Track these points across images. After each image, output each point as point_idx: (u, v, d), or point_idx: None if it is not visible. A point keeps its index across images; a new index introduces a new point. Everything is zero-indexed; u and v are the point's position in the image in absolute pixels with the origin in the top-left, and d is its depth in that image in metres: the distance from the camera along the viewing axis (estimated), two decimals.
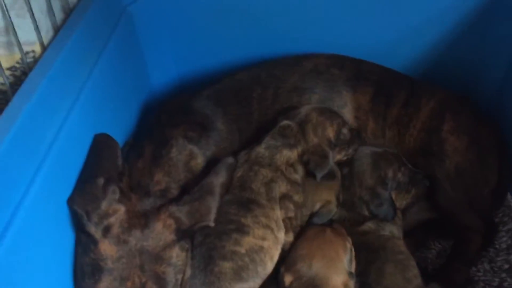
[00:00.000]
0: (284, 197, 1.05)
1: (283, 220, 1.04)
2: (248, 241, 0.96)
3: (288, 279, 0.95)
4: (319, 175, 1.09)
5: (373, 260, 1.03)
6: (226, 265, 0.94)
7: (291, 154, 1.09)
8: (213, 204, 0.95)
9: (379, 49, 1.36)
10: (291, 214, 1.06)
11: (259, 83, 1.24)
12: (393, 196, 1.15)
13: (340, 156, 1.16)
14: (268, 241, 0.98)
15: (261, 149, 1.09)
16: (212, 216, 0.94)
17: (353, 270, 0.99)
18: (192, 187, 0.99)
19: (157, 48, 1.37)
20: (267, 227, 0.99)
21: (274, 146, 1.10)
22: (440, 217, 1.21)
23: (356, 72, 1.27)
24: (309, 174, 1.10)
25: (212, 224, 0.94)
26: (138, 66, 1.34)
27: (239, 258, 0.95)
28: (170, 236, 0.91)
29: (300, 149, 1.10)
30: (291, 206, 1.06)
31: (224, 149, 1.15)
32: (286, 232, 1.04)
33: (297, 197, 1.07)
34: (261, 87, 1.24)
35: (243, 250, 0.95)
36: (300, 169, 1.10)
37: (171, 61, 1.42)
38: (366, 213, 1.14)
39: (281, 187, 1.05)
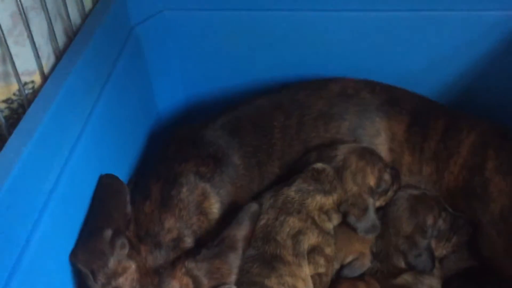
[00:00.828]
0: (314, 250, 0.97)
1: (312, 277, 0.96)
2: None
3: None
4: (360, 229, 1.01)
5: None
6: None
7: (325, 201, 1.01)
8: (236, 262, 0.88)
9: (408, 76, 1.29)
10: (322, 270, 0.98)
11: (281, 109, 1.15)
12: (433, 245, 1.08)
13: (379, 203, 1.08)
14: None
15: (290, 192, 1.01)
16: (234, 276, 0.87)
17: None
18: (209, 236, 0.92)
19: (165, 71, 1.30)
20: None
21: (306, 191, 1.01)
22: (481, 265, 1.12)
23: (389, 97, 1.18)
24: (347, 224, 1.03)
25: (233, 287, 0.86)
26: (145, 91, 1.26)
27: None
28: None
29: (336, 197, 1.02)
30: (321, 261, 0.97)
31: (241, 188, 1.06)
32: None
33: (329, 250, 0.99)
34: (283, 115, 1.14)
35: None
36: (335, 218, 1.02)
37: (179, 85, 1.35)
38: (402, 264, 1.06)
39: (310, 239, 0.97)
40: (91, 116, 0.93)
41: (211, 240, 0.89)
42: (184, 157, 1.02)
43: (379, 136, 1.16)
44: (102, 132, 0.96)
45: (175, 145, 1.08)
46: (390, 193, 1.10)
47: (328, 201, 1.01)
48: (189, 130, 1.12)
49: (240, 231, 0.91)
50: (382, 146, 1.15)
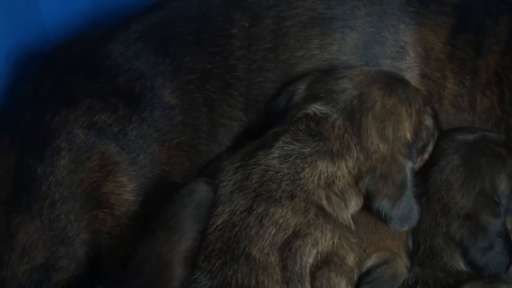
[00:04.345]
0: (328, 263, 0.75)
1: None
2: None
3: None
4: (395, 220, 0.80)
5: None
6: None
7: (335, 171, 0.80)
8: None
9: None
10: None
11: (243, 8, 0.96)
12: (509, 226, 0.88)
13: (416, 166, 0.89)
14: None
15: (272, 161, 0.79)
16: None
17: None
18: (115, 253, 0.76)
19: None
20: None
21: (299, 155, 0.80)
22: None
23: None
24: (372, 211, 0.81)
25: None
26: None
27: None
28: None
29: (351, 163, 0.81)
30: (342, 283, 0.75)
31: (179, 148, 0.88)
32: None
33: (351, 259, 0.77)
34: (247, 17, 0.95)
35: None
36: (354, 200, 0.81)
37: None
38: (461, 265, 0.85)
39: (320, 244, 0.75)
40: None
41: (117, 264, 0.74)
42: (68, 98, 0.82)
43: (406, 55, 0.98)
44: None
45: (52, 74, 0.87)
46: (430, 148, 0.91)
47: (340, 171, 0.80)
48: (80, 46, 0.91)
49: (175, 245, 0.70)
50: (410, 72, 0.98)
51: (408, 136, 0.84)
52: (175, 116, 0.87)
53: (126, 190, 0.80)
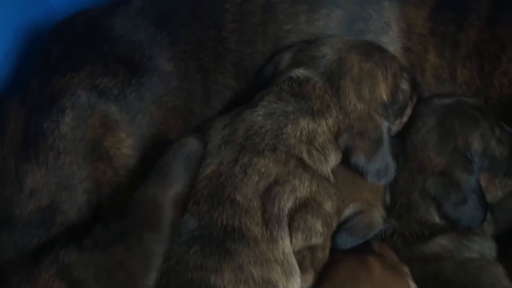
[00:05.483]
0: (306, 207, 0.78)
1: (299, 253, 0.78)
2: None
3: None
4: (372, 173, 0.83)
5: None
6: None
7: (316, 128, 0.83)
8: (156, 247, 0.69)
9: None
10: (317, 240, 0.78)
11: None
12: (483, 183, 0.89)
13: (395, 128, 0.91)
14: None
15: (257, 118, 0.82)
16: (152, 275, 0.68)
17: None
18: (114, 200, 0.79)
19: None
20: (265, 283, 0.73)
21: (282, 113, 0.83)
22: None
23: None
24: (350, 166, 0.85)
25: None
26: None
27: None
28: None
29: (331, 121, 0.84)
30: (317, 225, 0.77)
31: (174, 110, 0.91)
32: (302, 272, 0.78)
33: (329, 206, 0.79)
34: None
35: None
36: (333, 156, 0.84)
37: None
38: (436, 219, 0.87)
39: (297, 191, 0.78)
40: None
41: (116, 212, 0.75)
42: (73, 63, 0.86)
43: (389, 29, 1.01)
44: None
45: (59, 46, 0.90)
46: (408, 111, 0.93)
47: (321, 127, 0.83)
48: (84, 20, 0.94)
49: (167, 189, 0.73)
50: (393, 45, 1.00)
51: (384, 97, 0.87)
52: (171, 81, 0.90)
53: (125, 145, 0.83)
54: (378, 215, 0.84)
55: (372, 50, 0.89)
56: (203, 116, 0.92)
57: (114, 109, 0.83)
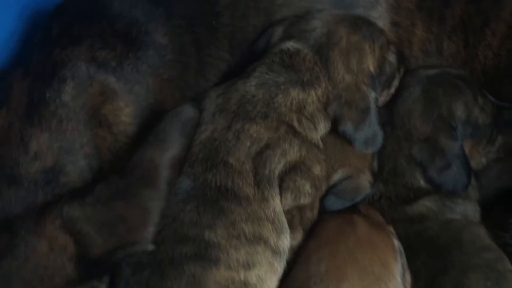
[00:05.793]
0: (295, 169, 0.81)
1: (288, 213, 0.81)
2: (218, 277, 0.73)
3: None
4: (359, 142, 0.86)
5: (443, 267, 0.80)
6: None
7: (306, 97, 0.85)
8: (154, 204, 0.71)
9: None
10: (305, 200, 0.81)
11: None
12: (467, 149, 0.91)
13: (382, 99, 0.93)
14: (259, 267, 0.76)
15: (250, 87, 0.84)
16: (150, 230, 0.70)
17: None
18: (114, 163, 0.82)
19: None
20: (256, 239, 0.76)
21: (274, 83, 0.85)
22: None
23: None
24: (339, 134, 0.87)
25: (149, 247, 0.71)
26: None
27: None
28: (64, 270, 0.70)
29: (320, 92, 0.86)
30: (306, 186, 0.81)
31: (170, 82, 0.93)
32: (292, 230, 0.81)
33: (317, 169, 0.82)
34: None
35: None
36: (322, 124, 0.86)
37: None
38: (421, 183, 0.90)
39: (287, 154, 0.81)
40: None
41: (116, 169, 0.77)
42: (74, 37, 0.88)
43: (377, 5, 1.02)
44: None
45: (61, 21, 0.93)
46: (395, 83, 0.95)
47: (310, 97, 0.86)
48: None
49: (164, 152, 0.75)
50: (381, 20, 1.01)
51: (372, 68, 0.89)
52: (167, 54, 0.92)
53: (123, 113, 0.85)
54: (365, 180, 0.87)
55: (360, 24, 0.91)
56: (198, 87, 0.94)
57: (112, 79, 0.85)
